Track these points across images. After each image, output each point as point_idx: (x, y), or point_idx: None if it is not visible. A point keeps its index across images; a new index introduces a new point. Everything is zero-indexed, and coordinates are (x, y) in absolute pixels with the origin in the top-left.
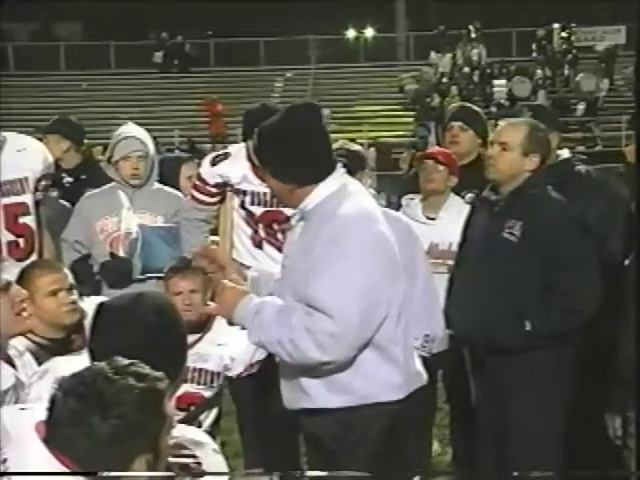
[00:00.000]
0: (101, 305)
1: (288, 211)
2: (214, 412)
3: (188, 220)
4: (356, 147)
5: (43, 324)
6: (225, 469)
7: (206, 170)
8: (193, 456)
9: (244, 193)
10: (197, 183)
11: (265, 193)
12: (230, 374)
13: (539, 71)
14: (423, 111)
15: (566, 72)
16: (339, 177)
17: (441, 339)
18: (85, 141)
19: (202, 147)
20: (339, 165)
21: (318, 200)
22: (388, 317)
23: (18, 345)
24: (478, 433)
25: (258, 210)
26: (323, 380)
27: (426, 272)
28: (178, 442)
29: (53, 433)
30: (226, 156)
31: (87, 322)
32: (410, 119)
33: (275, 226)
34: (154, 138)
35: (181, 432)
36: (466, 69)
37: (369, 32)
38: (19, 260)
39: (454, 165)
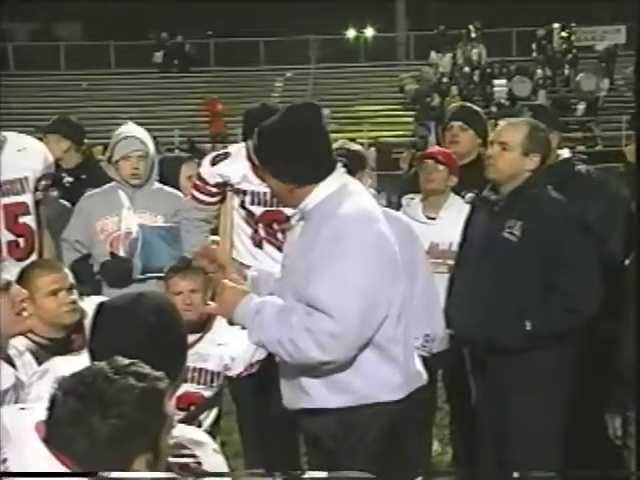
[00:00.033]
0: (101, 305)
1: (288, 211)
2: (214, 412)
3: (188, 220)
4: (356, 147)
5: (43, 324)
6: (225, 469)
7: (206, 170)
8: (193, 456)
9: (244, 193)
10: (197, 183)
11: (265, 193)
12: (230, 374)
13: (539, 71)
14: (423, 111)
15: (566, 72)
16: (339, 177)
17: (441, 339)
18: (85, 141)
19: (202, 147)
20: (339, 165)
21: (318, 200)
22: (388, 317)
23: (18, 345)
24: (478, 433)
25: (258, 210)
26: (323, 380)
27: (426, 272)
28: (178, 442)
29: (53, 433)
30: (226, 156)
31: (87, 322)
32: (410, 119)
33: (275, 226)
34: (154, 138)
35: (181, 432)
36: (466, 69)
37: (369, 32)
38: (19, 260)
39: (454, 165)
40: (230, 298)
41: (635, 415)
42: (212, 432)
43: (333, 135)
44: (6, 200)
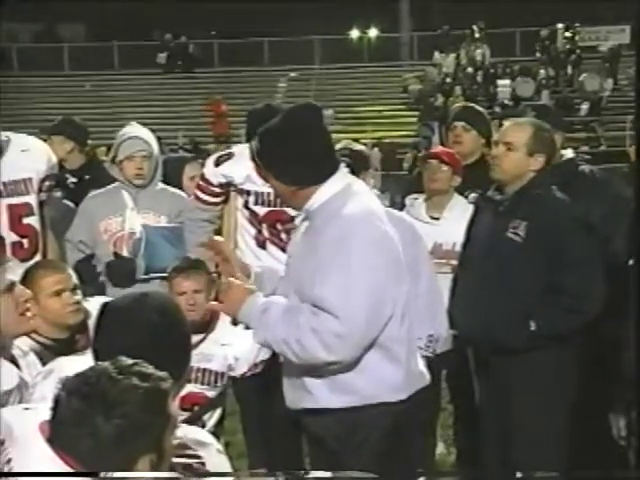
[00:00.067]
0: (105, 305)
1: (292, 211)
2: (218, 412)
3: (192, 220)
4: (360, 147)
5: (47, 324)
6: (229, 469)
7: (210, 170)
8: (197, 456)
9: (248, 193)
10: (201, 183)
11: (269, 193)
12: (234, 374)
13: (542, 71)
14: (427, 111)
15: (570, 72)
16: (343, 177)
17: (445, 339)
18: (89, 142)
19: (206, 147)
20: (342, 165)
21: (322, 200)
22: (393, 317)
23: (22, 345)
24: (482, 433)
25: (262, 210)
26: (326, 380)
27: (430, 272)
28: (182, 442)
29: (57, 433)
30: (230, 156)
31: (91, 322)
32: (414, 119)
33: (279, 226)
34: (158, 138)
35: (185, 432)
36: (470, 69)
37: (373, 32)
38: (23, 260)
39: (458, 165)
40: (236, 297)
41: (636, 415)
42: (216, 432)
43: (337, 135)
44: (10, 201)
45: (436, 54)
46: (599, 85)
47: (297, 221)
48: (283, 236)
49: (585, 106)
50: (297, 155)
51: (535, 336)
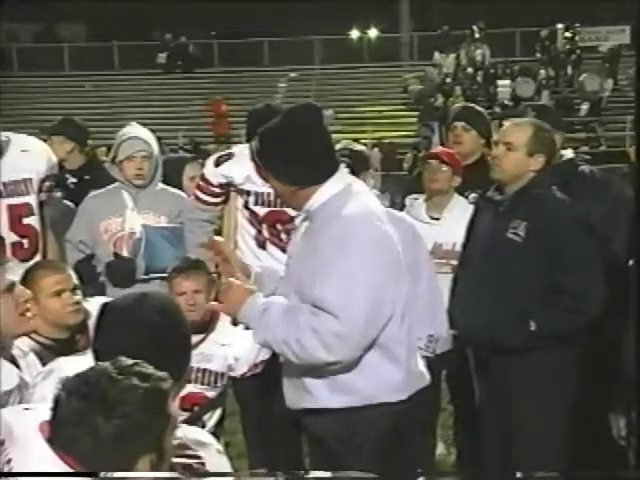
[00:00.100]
0: (105, 305)
1: (292, 211)
2: (218, 412)
3: (192, 220)
4: (360, 147)
5: (47, 324)
6: (229, 470)
7: (210, 170)
8: (197, 457)
9: (248, 193)
10: (201, 183)
11: (269, 193)
12: (234, 374)
13: (543, 71)
14: (427, 111)
15: (570, 72)
16: (343, 177)
17: (445, 339)
18: (89, 142)
19: (206, 147)
20: (342, 165)
21: (323, 200)
22: (392, 317)
23: (22, 345)
24: (482, 433)
25: (262, 210)
26: (326, 380)
27: (430, 272)
28: (182, 442)
29: (57, 433)
30: (230, 156)
31: (91, 322)
32: (414, 119)
33: (279, 226)
34: (158, 139)
35: (185, 432)
36: (470, 69)
37: (373, 32)
38: (23, 261)
39: (458, 165)
40: (236, 297)
41: (636, 415)
42: (216, 433)
43: (336, 136)
44: (10, 201)
45: (436, 54)
46: (599, 85)
47: (297, 221)
48: (283, 236)
49: (585, 106)
50: (297, 155)
51: (535, 336)
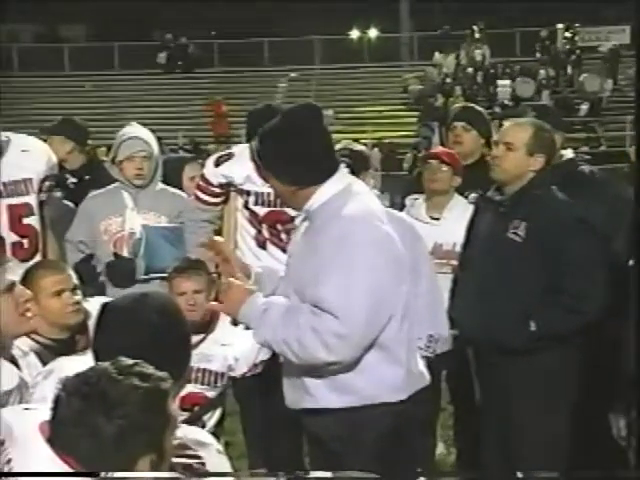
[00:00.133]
0: (105, 305)
1: (292, 211)
2: (218, 412)
3: (192, 220)
4: (360, 147)
5: (47, 324)
6: (229, 470)
7: (210, 170)
8: (197, 457)
9: (248, 193)
10: (201, 183)
11: (269, 193)
12: (234, 374)
13: (543, 71)
14: (427, 111)
15: (570, 72)
16: (343, 177)
17: (445, 339)
18: (89, 142)
19: (206, 147)
20: (342, 165)
21: (323, 200)
22: (393, 317)
23: (22, 345)
24: (482, 434)
25: (262, 210)
26: (326, 380)
27: (430, 272)
28: (182, 442)
29: (57, 433)
30: (230, 156)
31: (91, 322)
32: (414, 119)
33: (279, 226)
34: (158, 139)
35: (185, 432)
36: (470, 69)
37: (373, 32)
38: (23, 261)
39: (458, 165)
40: (236, 297)
41: (636, 414)
42: (216, 433)
43: (337, 136)
44: (10, 201)
45: (436, 54)
46: (599, 85)
47: (297, 221)
48: (283, 236)
49: (585, 106)
50: (297, 155)
51: (535, 336)
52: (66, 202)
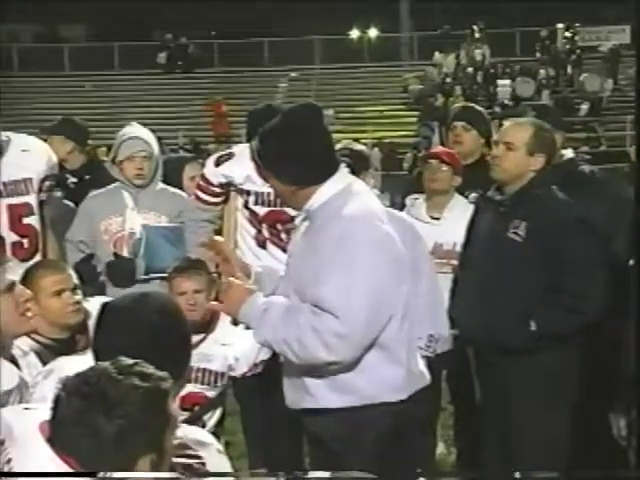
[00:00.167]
0: (105, 305)
1: (292, 211)
2: (218, 412)
3: (192, 220)
4: (360, 147)
5: (47, 324)
6: (229, 470)
7: (210, 170)
8: (197, 456)
9: (248, 193)
10: (201, 183)
11: (269, 193)
12: (234, 374)
13: (543, 71)
14: (427, 111)
15: (570, 72)
16: (343, 177)
17: (445, 339)
18: (89, 142)
19: (206, 147)
20: (342, 165)
21: (323, 200)
22: (393, 317)
23: (22, 345)
24: (482, 433)
25: (262, 210)
26: (325, 380)
27: (430, 272)
28: (182, 442)
29: (57, 433)
30: (230, 156)
31: (91, 322)
32: (414, 119)
33: (279, 226)
34: (158, 138)
35: (185, 432)
36: (470, 69)
37: (373, 32)
38: (23, 260)
39: (458, 165)
40: (236, 296)
41: (637, 415)
42: (216, 432)
43: (337, 135)
44: (10, 201)
45: (436, 54)
46: (599, 85)
47: (297, 221)
48: (283, 236)
49: (585, 106)
50: (297, 155)
51: (535, 336)
52: (66, 202)
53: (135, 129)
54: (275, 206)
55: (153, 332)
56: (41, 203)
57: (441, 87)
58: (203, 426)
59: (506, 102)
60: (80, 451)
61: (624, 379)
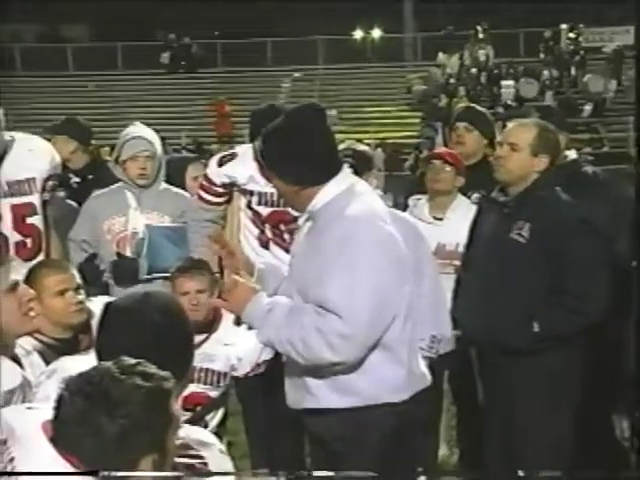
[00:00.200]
0: (108, 305)
1: (295, 211)
2: (220, 412)
3: (195, 220)
4: (363, 147)
5: (50, 324)
6: (231, 470)
7: (213, 170)
8: (199, 456)
9: (251, 193)
10: (204, 183)
11: (272, 193)
12: (237, 374)
13: (546, 72)
14: (430, 112)
15: (573, 73)
16: (346, 177)
17: (448, 340)
18: (92, 141)
19: (209, 147)
20: (345, 166)
21: (326, 200)
22: (396, 317)
23: (25, 345)
24: (485, 434)
25: (265, 210)
26: (327, 380)
27: (433, 272)
28: (184, 442)
29: (60, 432)
30: (233, 156)
31: (94, 322)
32: (417, 120)
33: (282, 226)
34: (161, 138)
35: (187, 432)
36: (473, 70)
37: (376, 33)
38: (27, 260)
39: (461, 165)
40: (241, 295)
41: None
42: (218, 433)
43: (340, 136)
44: (13, 201)
45: (440, 55)
46: (603, 86)
47: (300, 221)
48: (286, 236)
49: (588, 107)
50: (300, 155)
51: (538, 337)
52: (69, 202)
53: (138, 129)
54: (278, 206)
55: (156, 332)
56: (44, 203)
57: (445, 88)
58: (205, 426)
59: (510, 103)
60: (83, 451)
61: (627, 380)
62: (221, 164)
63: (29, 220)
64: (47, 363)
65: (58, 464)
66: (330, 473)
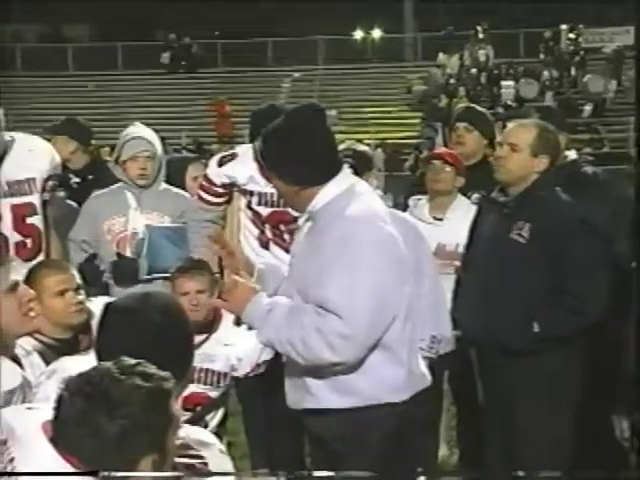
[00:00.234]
0: (108, 305)
1: (295, 212)
2: (220, 412)
3: (195, 220)
4: (363, 148)
5: (50, 324)
6: (231, 470)
7: (213, 170)
8: (199, 457)
9: (251, 194)
10: (204, 183)
11: (272, 194)
12: (237, 374)
13: (546, 72)
14: (430, 112)
15: (573, 73)
16: (346, 178)
17: (448, 340)
18: (92, 142)
19: (209, 148)
20: (345, 166)
21: (326, 200)
22: (396, 318)
23: (25, 345)
24: (485, 435)
25: (265, 211)
26: (327, 381)
27: (433, 273)
28: (184, 442)
29: (60, 433)
30: (233, 157)
31: (94, 322)
32: (417, 120)
33: (282, 227)
34: (161, 139)
35: (187, 432)
36: (474, 70)
37: (377, 33)
38: (27, 260)
39: (461, 166)
40: (241, 296)
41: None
42: (218, 433)
43: (340, 136)
44: (13, 201)
45: (440, 55)
46: (603, 86)
47: (300, 222)
48: (286, 237)
49: (588, 107)
50: (300, 155)
51: (538, 337)
52: (69, 202)
53: (138, 129)
54: (278, 207)
55: (156, 332)
56: (44, 203)
57: (445, 88)
58: (205, 426)
59: (510, 103)
60: (83, 451)
61: (627, 380)
62: (221, 164)
63: (29, 220)
64: (47, 363)
65: (58, 464)
66: (330, 473)
